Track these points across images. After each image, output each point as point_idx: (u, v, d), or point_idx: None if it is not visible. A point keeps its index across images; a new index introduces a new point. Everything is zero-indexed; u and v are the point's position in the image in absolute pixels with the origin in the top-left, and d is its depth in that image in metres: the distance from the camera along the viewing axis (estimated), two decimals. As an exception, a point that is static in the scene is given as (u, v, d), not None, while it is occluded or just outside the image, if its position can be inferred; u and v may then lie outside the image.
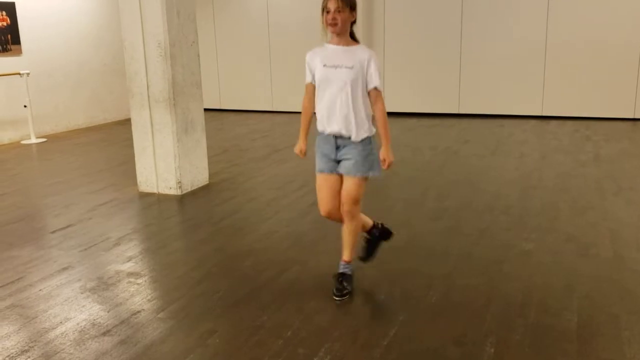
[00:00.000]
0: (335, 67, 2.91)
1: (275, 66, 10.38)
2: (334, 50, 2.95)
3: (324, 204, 3.09)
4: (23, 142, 8.19)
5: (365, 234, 3.33)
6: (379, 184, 4.83)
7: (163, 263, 3.72)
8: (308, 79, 3.08)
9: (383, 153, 2.96)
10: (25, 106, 8.08)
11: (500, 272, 3.40)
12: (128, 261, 3.73)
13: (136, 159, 5.38)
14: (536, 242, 3.84)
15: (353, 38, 2.99)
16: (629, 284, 3.20)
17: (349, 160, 2.98)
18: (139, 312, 3.02)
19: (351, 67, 2.89)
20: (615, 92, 8.50)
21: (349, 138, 2.95)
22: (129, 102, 5.30)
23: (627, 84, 8.42)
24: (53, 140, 8.31)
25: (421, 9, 9.25)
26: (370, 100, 2.97)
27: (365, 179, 3.02)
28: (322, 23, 2.92)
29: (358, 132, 2.94)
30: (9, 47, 8.10)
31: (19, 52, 8.23)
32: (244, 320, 2.90)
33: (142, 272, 3.55)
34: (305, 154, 3.21)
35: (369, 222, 3.29)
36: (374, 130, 3.00)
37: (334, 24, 2.86)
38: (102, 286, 3.35)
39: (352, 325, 2.84)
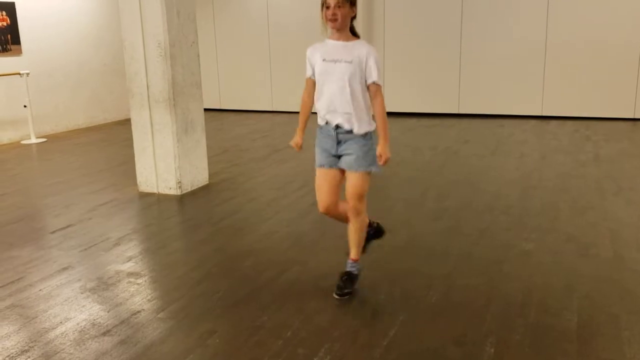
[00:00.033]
0: (335, 61, 2.91)
1: (275, 66, 10.38)
2: (334, 46, 2.95)
3: (323, 198, 3.07)
4: (23, 142, 8.19)
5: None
6: (379, 184, 4.83)
7: (163, 263, 3.72)
8: (308, 73, 3.08)
9: (380, 149, 2.94)
10: (25, 106, 8.08)
11: (500, 272, 3.40)
12: (128, 261, 3.73)
13: (136, 159, 5.38)
14: (536, 242, 3.84)
15: (353, 33, 2.98)
16: (629, 284, 3.20)
17: (351, 155, 2.97)
18: (139, 312, 3.02)
19: (350, 62, 2.89)
20: (615, 92, 8.50)
21: (350, 132, 2.95)
22: (129, 102, 5.30)
23: (627, 84, 8.42)
24: (53, 140, 8.31)
25: (421, 9, 9.25)
26: (369, 95, 2.97)
27: (369, 173, 3.01)
28: (322, 18, 2.91)
29: (360, 125, 2.94)
30: (9, 47, 8.10)
31: (18, 52, 8.23)
32: (244, 320, 2.90)
33: (142, 272, 3.55)
34: (300, 147, 3.20)
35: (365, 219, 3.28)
36: (374, 125, 3.00)
37: (334, 20, 2.86)
38: (102, 286, 3.35)
39: (352, 325, 2.84)
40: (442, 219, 4.38)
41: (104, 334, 2.80)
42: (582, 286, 3.17)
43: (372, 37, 9.49)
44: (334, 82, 2.92)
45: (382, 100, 2.96)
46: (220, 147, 7.28)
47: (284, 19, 10.10)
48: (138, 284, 3.38)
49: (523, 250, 3.71)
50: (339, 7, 2.83)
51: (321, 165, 3.07)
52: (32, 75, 8.22)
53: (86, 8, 9.29)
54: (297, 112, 3.22)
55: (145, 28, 5.01)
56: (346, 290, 3.11)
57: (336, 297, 3.09)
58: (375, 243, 3.43)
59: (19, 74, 8.00)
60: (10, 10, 8.06)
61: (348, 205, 3.04)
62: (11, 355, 2.64)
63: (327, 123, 3.01)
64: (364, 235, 3.20)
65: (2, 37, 8.01)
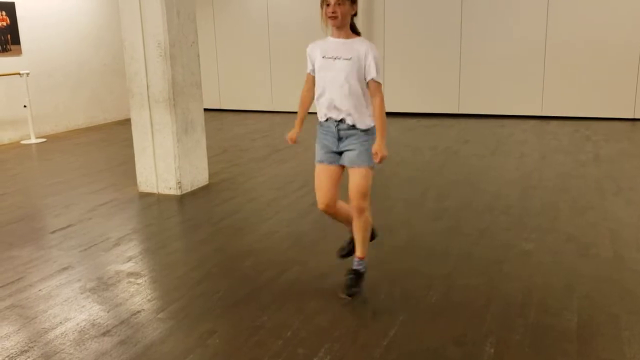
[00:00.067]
0: (334, 59, 2.91)
1: (275, 66, 10.38)
2: (334, 43, 2.95)
3: (322, 194, 3.05)
4: (23, 142, 8.19)
5: (350, 233, 3.30)
6: (379, 184, 4.83)
7: (163, 263, 3.72)
8: (309, 69, 3.09)
9: (375, 146, 2.91)
10: (25, 106, 8.08)
11: (500, 272, 3.40)
12: (128, 261, 3.73)
13: (136, 159, 5.38)
14: (536, 242, 3.84)
15: (354, 31, 2.98)
16: (629, 284, 3.20)
17: (353, 151, 2.96)
18: (138, 312, 3.02)
19: (349, 59, 2.88)
20: (615, 92, 8.50)
21: (351, 128, 2.93)
22: (129, 102, 5.30)
23: (627, 84, 8.42)
24: (53, 140, 8.31)
25: (421, 8, 9.25)
26: (369, 93, 2.96)
27: (371, 169, 2.99)
28: (322, 16, 2.91)
29: (361, 122, 2.93)
30: (8, 47, 8.10)
31: (18, 52, 8.23)
32: (244, 320, 2.90)
33: (142, 272, 3.55)
34: (295, 141, 3.19)
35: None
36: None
37: (334, 17, 2.85)
38: (102, 286, 3.35)
39: (352, 325, 2.84)
40: (442, 219, 4.38)
41: (103, 334, 2.80)
42: (582, 286, 3.17)
43: (372, 37, 9.48)
44: (334, 79, 2.92)
45: (381, 98, 2.94)
46: (220, 147, 7.28)
47: (284, 19, 10.10)
48: (138, 284, 3.38)
49: (523, 250, 3.71)
50: (339, 4, 2.82)
51: (321, 161, 3.06)
52: (32, 75, 8.22)
53: (86, 8, 9.29)
54: (297, 112, 3.22)
55: (145, 28, 5.01)
56: (354, 289, 3.09)
57: (344, 296, 3.07)
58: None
59: (19, 74, 8.00)
60: (10, 10, 8.06)
61: (351, 205, 3.02)
62: (11, 356, 2.64)
63: (327, 120, 3.01)
64: (369, 233, 3.17)
65: (2, 37, 8.01)
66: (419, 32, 9.33)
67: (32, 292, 3.30)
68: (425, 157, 6.52)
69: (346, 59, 2.89)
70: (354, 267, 3.16)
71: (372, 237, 3.34)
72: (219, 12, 10.63)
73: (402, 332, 2.74)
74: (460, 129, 8.21)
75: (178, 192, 5.23)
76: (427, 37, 9.29)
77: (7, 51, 8.08)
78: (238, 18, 10.50)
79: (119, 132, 8.73)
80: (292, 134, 3.19)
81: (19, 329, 2.87)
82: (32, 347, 2.70)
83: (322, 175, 3.05)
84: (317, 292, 3.19)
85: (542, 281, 3.25)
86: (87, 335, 2.79)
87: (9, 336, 2.81)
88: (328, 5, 2.85)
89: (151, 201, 5.12)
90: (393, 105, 8.94)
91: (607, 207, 4.53)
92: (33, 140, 8.16)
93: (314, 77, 3.06)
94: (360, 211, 3.02)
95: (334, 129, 2.98)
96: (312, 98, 3.12)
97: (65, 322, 2.93)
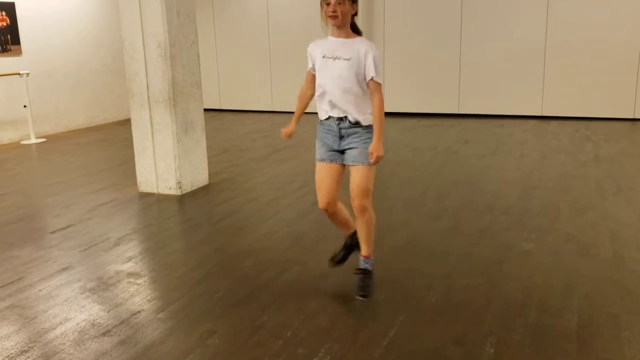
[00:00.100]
0: (334, 59, 2.91)
1: (275, 66, 10.38)
2: (335, 43, 2.95)
3: (323, 192, 3.05)
4: (23, 142, 8.19)
5: (347, 237, 3.28)
6: (379, 184, 4.82)
7: (163, 263, 3.72)
8: (309, 66, 3.09)
9: (372, 146, 2.89)
10: (25, 106, 8.08)
11: (500, 272, 3.40)
12: (128, 261, 3.73)
13: (136, 159, 5.38)
14: (536, 242, 3.84)
15: (355, 30, 2.98)
16: (629, 284, 3.20)
17: (354, 149, 2.95)
18: (138, 312, 3.02)
19: (349, 59, 2.88)
20: (615, 92, 8.50)
21: (353, 126, 2.92)
22: (129, 102, 5.30)
23: (627, 84, 8.42)
24: (53, 140, 8.31)
25: (421, 9, 9.25)
26: (369, 92, 2.95)
27: (374, 166, 2.98)
28: (322, 15, 2.90)
29: (364, 118, 2.93)
30: (8, 47, 8.10)
31: (18, 52, 8.23)
32: (244, 320, 2.90)
33: (142, 272, 3.55)
34: (289, 136, 3.18)
35: (354, 226, 3.20)
36: None
37: (334, 16, 2.84)
38: (102, 286, 3.35)
39: (352, 325, 2.84)
40: (442, 219, 4.38)
41: (103, 334, 2.80)
42: (582, 286, 3.17)
43: (372, 37, 9.48)
44: (334, 78, 2.92)
45: (381, 98, 2.92)
46: (220, 147, 7.28)
47: (284, 19, 10.10)
48: (138, 284, 3.38)
49: (523, 250, 3.71)
50: (340, 3, 2.81)
51: (322, 160, 3.06)
52: (32, 75, 8.22)
53: (86, 8, 9.29)
54: (295, 108, 3.22)
55: (145, 28, 5.01)
56: (369, 290, 3.08)
57: (360, 299, 3.05)
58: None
59: (19, 74, 8.00)
60: (10, 10, 8.06)
61: (353, 204, 3.01)
62: (11, 356, 2.64)
63: (328, 118, 3.00)
64: (373, 231, 3.14)
65: (2, 37, 8.01)
66: (419, 32, 9.33)
67: (32, 292, 3.30)
68: (425, 157, 6.52)
69: (346, 59, 2.88)
70: (361, 267, 3.14)
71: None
72: (219, 12, 10.63)
73: (402, 332, 2.74)
74: (460, 129, 8.21)
75: (178, 192, 5.23)
76: (427, 37, 9.29)
77: (7, 51, 8.08)
78: (238, 18, 10.50)
79: (119, 132, 8.73)
80: (286, 129, 3.19)
81: (19, 329, 2.87)
82: (32, 347, 2.70)
83: (323, 174, 3.05)
84: (317, 292, 3.19)
85: (542, 281, 3.25)
86: (87, 335, 2.79)
87: (9, 336, 2.81)
88: (328, 4, 2.84)
89: (151, 201, 5.12)
90: (393, 105, 8.96)
91: (607, 207, 4.53)
92: (33, 140, 8.16)
93: (314, 75, 3.06)
94: (363, 210, 3.01)
95: (335, 127, 2.98)
96: (311, 95, 3.13)
97: (65, 322, 2.93)
